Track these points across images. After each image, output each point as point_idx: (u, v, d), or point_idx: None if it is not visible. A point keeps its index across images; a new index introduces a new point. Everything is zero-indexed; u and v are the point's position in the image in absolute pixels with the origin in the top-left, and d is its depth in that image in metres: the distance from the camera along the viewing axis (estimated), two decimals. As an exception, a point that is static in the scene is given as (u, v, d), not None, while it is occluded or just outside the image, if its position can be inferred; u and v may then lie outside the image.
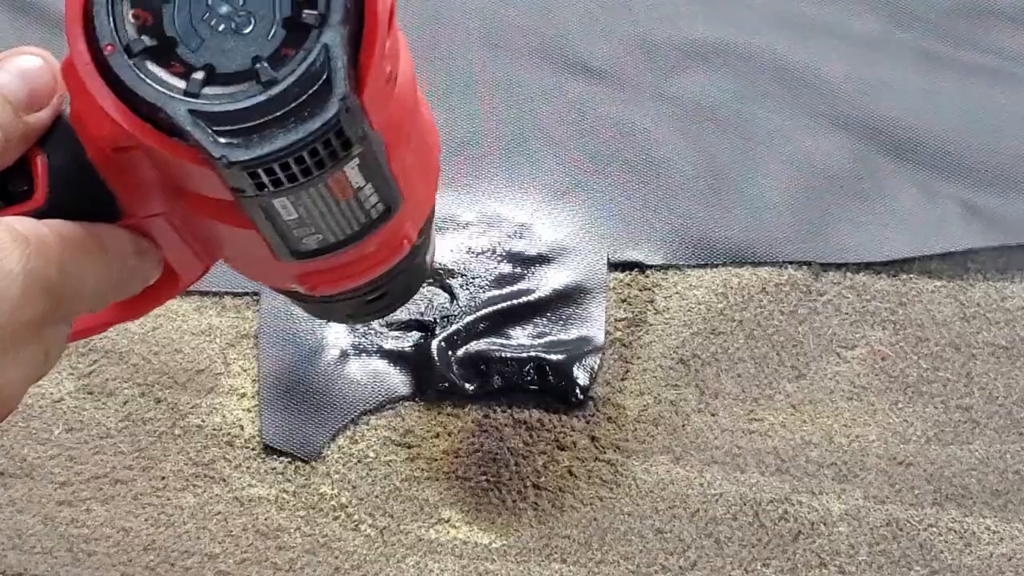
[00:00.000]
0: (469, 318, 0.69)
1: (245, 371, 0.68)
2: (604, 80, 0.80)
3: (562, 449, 0.65)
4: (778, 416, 0.66)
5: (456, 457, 0.65)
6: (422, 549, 0.62)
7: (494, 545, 0.62)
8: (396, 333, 0.69)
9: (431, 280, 0.71)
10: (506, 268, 0.72)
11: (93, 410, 0.67)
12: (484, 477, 0.64)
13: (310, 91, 0.29)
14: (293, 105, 0.29)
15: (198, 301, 0.71)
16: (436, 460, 0.65)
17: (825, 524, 0.62)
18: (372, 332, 0.69)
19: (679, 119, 0.78)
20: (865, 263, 0.71)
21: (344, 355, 0.69)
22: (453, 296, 0.70)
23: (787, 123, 0.78)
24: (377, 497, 0.64)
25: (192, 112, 0.28)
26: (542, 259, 0.72)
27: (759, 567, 0.61)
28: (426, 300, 0.70)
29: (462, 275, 0.71)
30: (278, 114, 0.29)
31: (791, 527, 0.62)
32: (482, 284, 0.71)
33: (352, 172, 0.31)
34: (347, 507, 0.63)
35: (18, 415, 0.67)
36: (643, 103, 0.79)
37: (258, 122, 0.29)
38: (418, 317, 0.70)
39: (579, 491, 0.64)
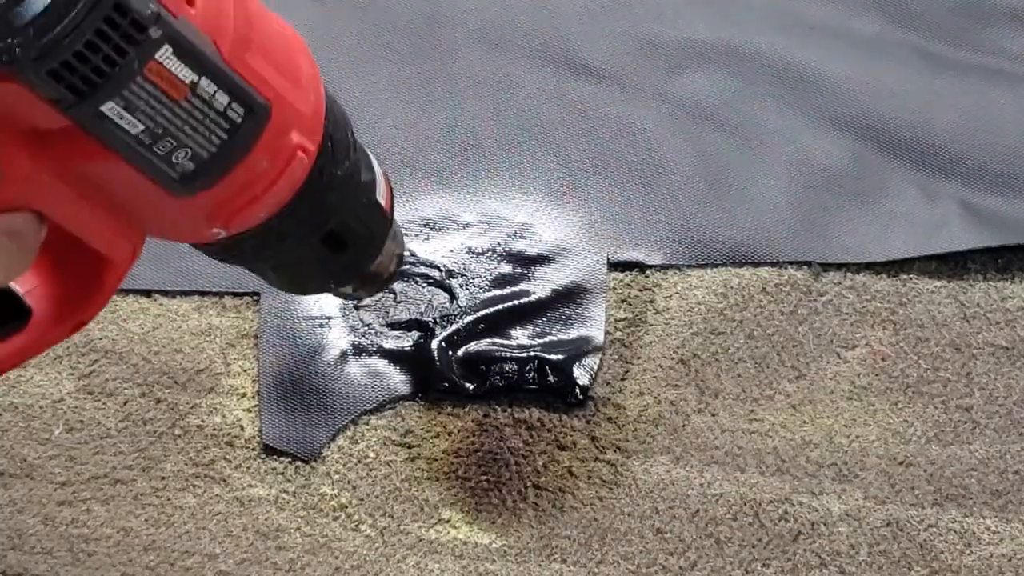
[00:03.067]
0: (469, 318, 0.69)
1: (245, 371, 0.68)
2: (604, 80, 0.80)
3: (562, 449, 0.65)
4: (778, 416, 0.66)
5: (456, 457, 0.65)
6: (422, 549, 0.62)
7: (494, 545, 0.62)
8: (396, 333, 0.69)
9: (430, 280, 0.71)
10: (506, 268, 0.72)
11: (93, 410, 0.67)
12: (484, 477, 0.64)
13: None
14: None
15: (198, 301, 0.71)
16: (436, 460, 0.65)
17: (825, 524, 0.62)
18: (372, 332, 0.69)
19: (679, 119, 0.78)
20: (865, 263, 0.71)
21: (344, 355, 0.69)
22: (453, 296, 0.70)
23: (787, 123, 0.78)
24: (377, 497, 0.64)
25: None
26: (542, 259, 0.72)
27: (759, 567, 0.61)
28: (426, 300, 0.70)
29: (462, 275, 0.71)
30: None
31: (791, 527, 0.62)
32: (482, 284, 0.71)
33: (170, 62, 0.32)
34: (347, 507, 0.63)
35: (18, 415, 0.67)
36: (643, 103, 0.79)
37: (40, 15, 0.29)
38: (418, 317, 0.70)
39: (579, 491, 0.64)
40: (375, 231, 0.50)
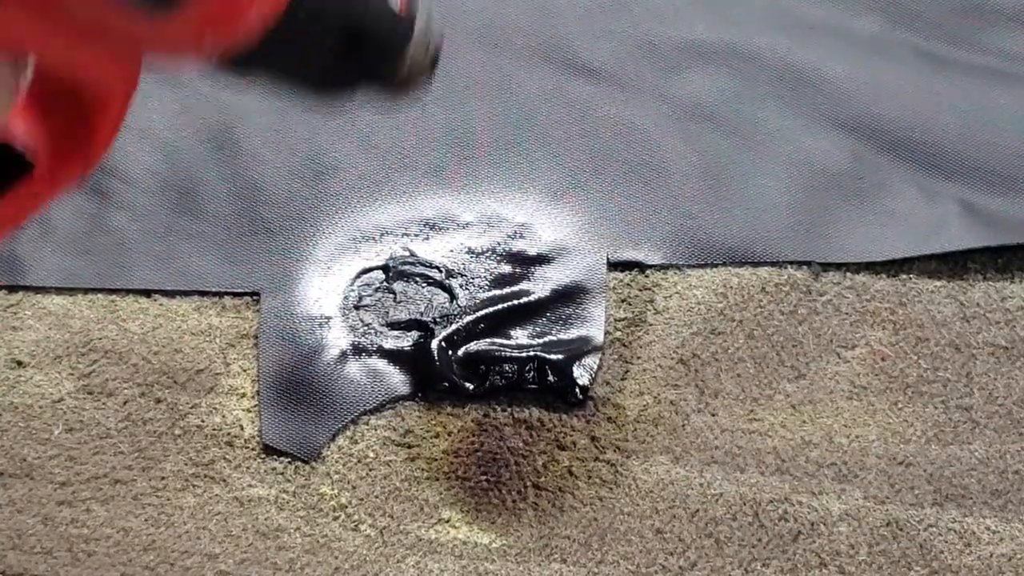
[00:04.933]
0: (469, 318, 0.69)
1: (245, 371, 0.68)
2: (604, 80, 0.80)
3: (562, 449, 0.65)
4: (778, 416, 0.66)
5: (456, 457, 0.65)
6: (422, 549, 0.62)
7: (494, 545, 0.62)
8: (396, 333, 0.69)
9: (430, 280, 0.71)
10: (506, 268, 0.72)
11: (93, 410, 0.67)
12: (484, 477, 0.64)
13: None
14: None
15: (198, 301, 0.71)
16: (436, 460, 0.65)
17: (825, 524, 0.62)
18: (372, 332, 0.69)
19: (679, 119, 0.78)
20: (865, 263, 0.71)
21: (344, 355, 0.69)
22: (453, 296, 0.70)
23: (787, 123, 0.78)
24: (377, 497, 0.64)
25: None
26: (542, 259, 0.72)
27: (759, 567, 0.61)
28: (426, 300, 0.70)
29: (462, 275, 0.71)
30: None
31: (791, 527, 0.62)
32: (482, 284, 0.71)
33: None
34: (347, 507, 0.63)
35: (18, 415, 0.67)
36: (643, 103, 0.79)
37: None
38: (418, 317, 0.70)
39: (579, 491, 0.64)
40: (389, 28, 0.50)
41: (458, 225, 0.73)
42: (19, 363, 0.69)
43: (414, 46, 0.53)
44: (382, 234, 0.73)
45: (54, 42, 0.36)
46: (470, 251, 0.72)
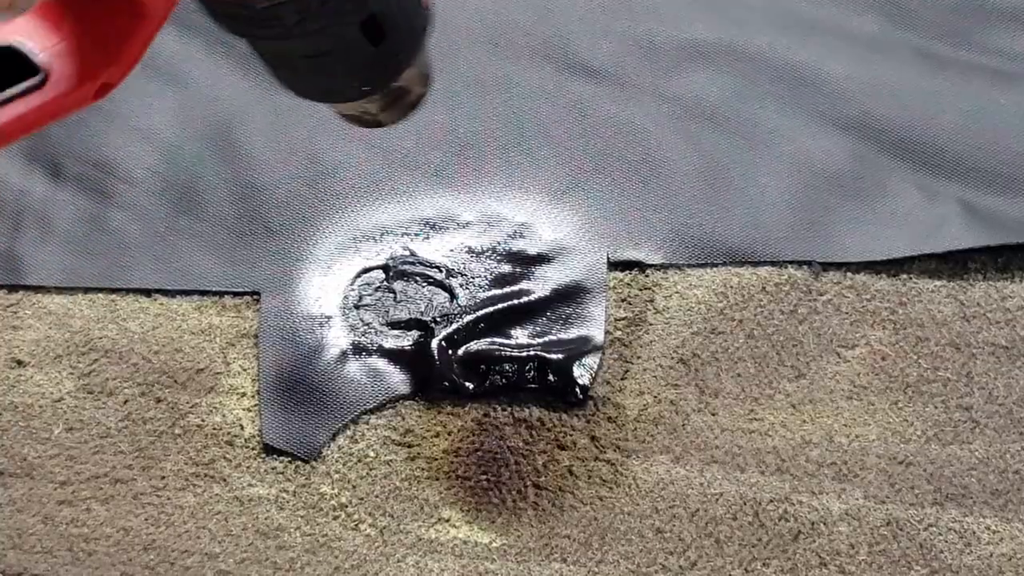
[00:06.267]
0: (469, 317, 0.69)
1: (245, 371, 0.68)
2: (604, 80, 0.80)
3: (562, 449, 0.65)
4: (778, 416, 0.66)
5: (456, 456, 0.65)
6: (422, 549, 0.62)
7: (494, 545, 0.62)
8: (396, 332, 0.69)
9: (430, 280, 0.71)
10: (506, 268, 0.72)
11: (93, 410, 0.67)
12: (484, 477, 0.64)
13: None
14: None
15: (198, 301, 0.71)
16: (436, 460, 0.65)
17: (825, 524, 0.62)
18: (372, 331, 0.69)
19: (679, 119, 0.78)
20: (865, 263, 0.71)
21: (344, 354, 0.69)
22: (453, 296, 0.70)
23: (787, 123, 0.78)
24: (377, 497, 0.64)
25: None
26: (542, 259, 0.72)
27: (759, 567, 0.61)
28: (426, 300, 0.70)
29: (462, 275, 0.71)
30: None
31: (791, 527, 0.62)
32: (482, 284, 0.71)
33: None
34: (347, 507, 0.63)
35: (18, 415, 0.67)
36: (643, 103, 0.79)
37: None
38: (418, 316, 0.70)
39: (579, 491, 0.64)
40: (415, 26, 0.48)
41: (458, 225, 0.73)
42: (19, 362, 0.69)
43: (419, 63, 0.51)
44: (382, 233, 0.73)
45: None
46: (470, 251, 0.72)
